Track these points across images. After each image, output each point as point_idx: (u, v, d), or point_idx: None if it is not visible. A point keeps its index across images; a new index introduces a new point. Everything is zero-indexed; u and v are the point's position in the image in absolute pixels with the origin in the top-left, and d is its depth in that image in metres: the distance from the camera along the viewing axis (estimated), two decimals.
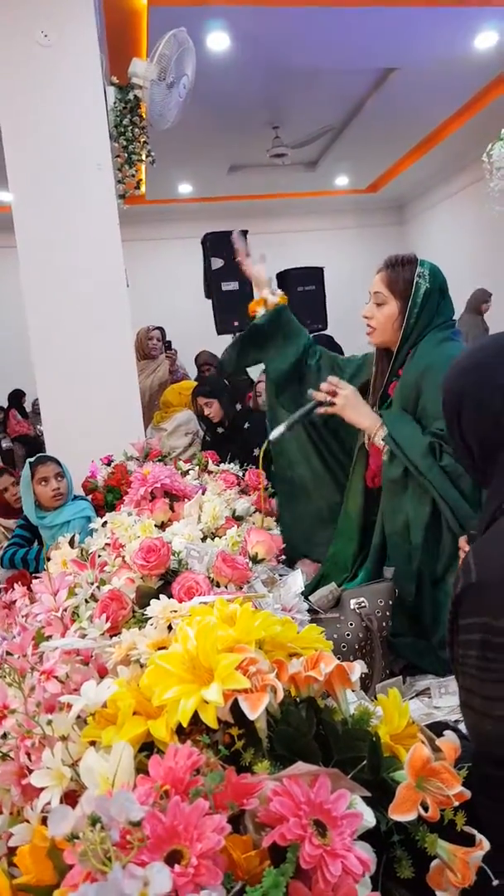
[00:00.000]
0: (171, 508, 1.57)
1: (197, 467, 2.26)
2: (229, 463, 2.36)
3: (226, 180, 7.58)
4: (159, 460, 2.44)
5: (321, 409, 1.87)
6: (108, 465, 2.64)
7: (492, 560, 0.83)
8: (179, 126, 3.79)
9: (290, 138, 6.34)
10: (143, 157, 3.61)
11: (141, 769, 0.55)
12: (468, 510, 1.65)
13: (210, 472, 2.21)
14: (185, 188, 7.87)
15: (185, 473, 2.08)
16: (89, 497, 2.49)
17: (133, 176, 3.63)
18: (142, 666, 0.79)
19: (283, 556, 1.77)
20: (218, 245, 5.28)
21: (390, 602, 1.69)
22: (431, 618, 1.76)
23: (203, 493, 1.66)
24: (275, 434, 1.87)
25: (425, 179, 8.34)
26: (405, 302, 1.79)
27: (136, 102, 3.48)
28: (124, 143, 3.50)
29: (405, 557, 1.79)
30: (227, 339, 5.40)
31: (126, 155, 3.52)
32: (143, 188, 6.76)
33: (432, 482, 1.67)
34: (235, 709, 0.65)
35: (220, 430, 3.72)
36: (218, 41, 4.58)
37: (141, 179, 5.75)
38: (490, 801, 0.76)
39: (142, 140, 3.55)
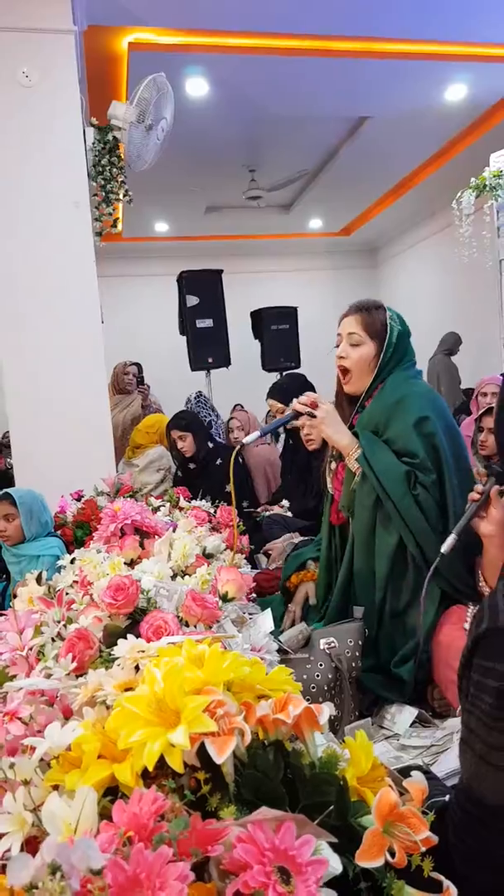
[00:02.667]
0: (142, 545, 1.56)
1: (168, 503, 2.25)
2: (201, 499, 2.35)
3: (202, 220, 7.71)
4: (130, 496, 2.43)
5: (300, 421, 1.90)
6: (79, 500, 2.62)
7: None
8: (157, 167, 3.87)
9: (265, 181, 6.49)
10: (121, 197, 3.68)
11: (105, 814, 0.54)
12: (434, 542, 1.67)
13: (181, 509, 2.20)
14: (161, 227, 7.98)
15: (157, 510, 2.08)
16: (59, 532, 2.46)
17: (110, 214, 3.69)
18: (108, 707, 0.77)
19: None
20: (193, 283, 5.36)
21: (360, 642, 1.68)
22: (390, 651, 1.76)
23: (174, 531, 1.65)
24: (248, 439, 1.94)
25: (397, 224, 8.55)
26: (380, 344, 1.85)
27: (115, 143, 3.56)
28: (102, 182, 3.56)
29: (369, 589, 1.80)
30: (201, 376, 5.46)
31: (104, 194, 3.58)
32: (119, 226, 6.84)
33: (401, 511, 1.70)
34: (202, 752, 0.65)
35: (191, 465, 3.72)
36: (196, 86, 4.70)
37: (118, 218, 5.84)
38: (460, 836, 0.76)
39: (119, 180, 3.62)
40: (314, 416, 1.85)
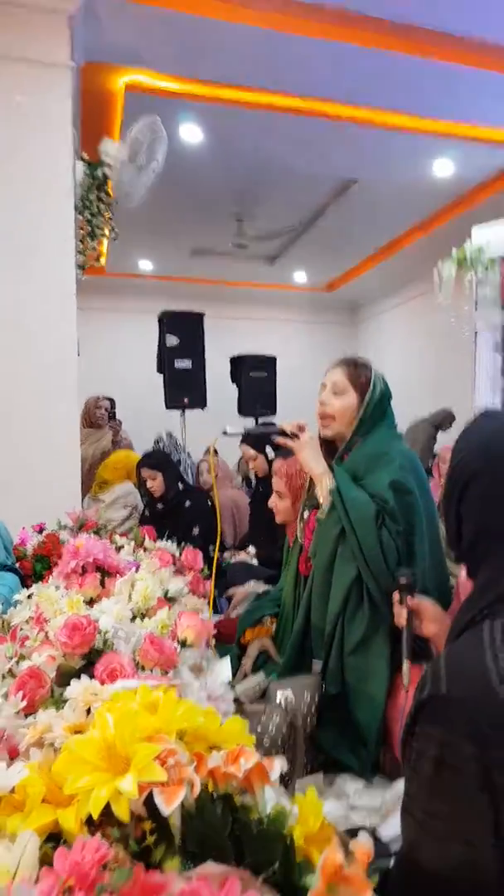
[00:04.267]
0: (102, 584, 1.54)
1: (132, 542, 2.23)
2: (167, 540, 2.34)
3: (187, 263, 7.80)
4: (94, 532, 2.40)
5: (281, 439, 1.92)
6: (40, 532, 2.58)
7: (464, 673, 0.78)
8: (146, 206, 3.92)
9: (252, 231, 6.61)
10: (106, 233, 3.72)
11: (46, 861, 0.53)
12: (392, 584, 1.68)
13: (146, 549, 2.18)
14: (145, 265, 8.05)
15: (120, 548, 2.05)
16: (17, 564, 2.41)
17: (94, 248, 3.72)
18: (56, 750, 0.76)
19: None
20: (174, 324, 5.43)
21: (316, 697, 1.67)
22: (344, 693, 1.74)
23: (136, 571, 1.63)
24: (230, 429, 2.02)
25: (380, 285, 8.73)
26: (362, 397, 1.90)
27: (104, 179, 3.60)
28: (89, 216, 3.60)
29: (323, 625, 1.79)
30: (175, 415, 5.48)
31: (89, 228, 3.61)
32: (103, 261, 6.91)
33: (363, 546, 1.70)
34: (149, 802, 0.64)
35: (159, 505, 3.70)
36: (190, 133, 4.77)
37: (102, 253, 5.89)
38: None
39: (107, 216, 3.65)
40: (297, 438, 1.89)
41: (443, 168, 5.35)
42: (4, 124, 3.16)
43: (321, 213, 6.39)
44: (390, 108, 4.35)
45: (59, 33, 3.19)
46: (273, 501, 2.28)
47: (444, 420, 6.56)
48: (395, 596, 1.47)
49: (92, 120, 4.27)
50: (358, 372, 1.92)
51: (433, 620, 1.44)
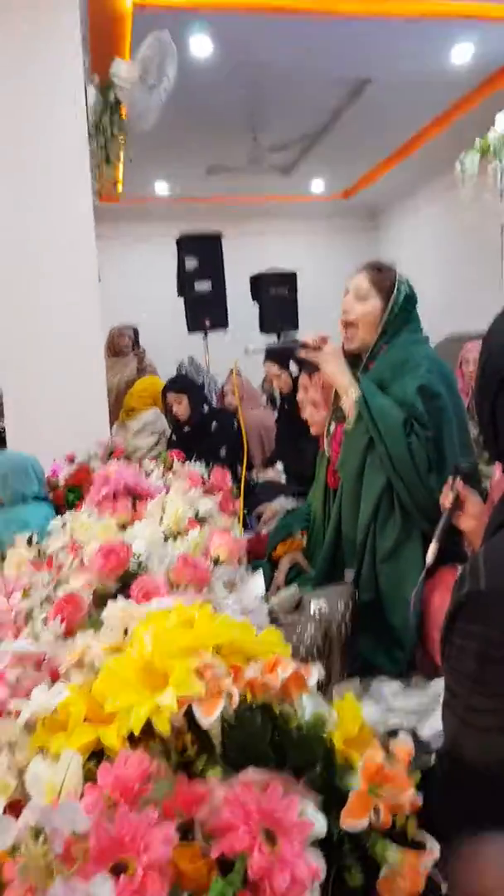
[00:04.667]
0: (134, 508, 1.55)
1: (161, 466, 2.24)
2: (194, 462, 2.34)
3: (203, 181, 7.57)
4: (124, 458, 2.41)
5: (303, 352, 1.88)
6: (71, 462, 2.60)
7: (503, 568, 0.78)
8: (158, 127, 3.78)
9: (267, 143, 6.37)
10: (121, 156, 3.60)
11: (90, 778, 0.54)
12: (423, 492, 1.67)
13: (174, 472, 2.19)
14: (161, 187, 7.84)
15: (150, 473, 2.07)
16: (50, 494, 2.45)
17: (110, 174, 3.62)
18: (95, 672, 0.77)
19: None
20: (192, 246, 5.31)
21: (350, 604, 1.69)
22: (378, 600, 1.76)
23: (167, 493, 1.64)
24: (251, 347, 2.05)
25: (399, 187, 8.40)
26: (386, 301, 1.84)
27: (117, 102, 3.47)
28: (102, 141, 3.49)
29: (354, 535, 1.79)
30: (198, 337, 5.43)
31: (104, 153, 3.50)
32: (119, 187, 6.72)
33: (392, 455, 1.69)
34: (189, 715, 0.65)
35: (186, 428, 3.70)
36: (201, 46, 4.60)
37: (118, 179, 5.73)
38: (442, 797, 0.76)
39: (120, 139, 3.54)
40: (320, 350, 1.84)
41: (461, 53, 5.02)
42: (13, 51, 3.03)
43: (336, 118, 6.11)
44: None
45: None
46: (309, 413, 2.25)
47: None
48: (450, 480, 1.49)
49: (101, 42, 4.10)
50: (382, 275, 1.85)
51: (473, 516, 1.46)
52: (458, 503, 1.48)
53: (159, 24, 3.52)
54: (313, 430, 2.26)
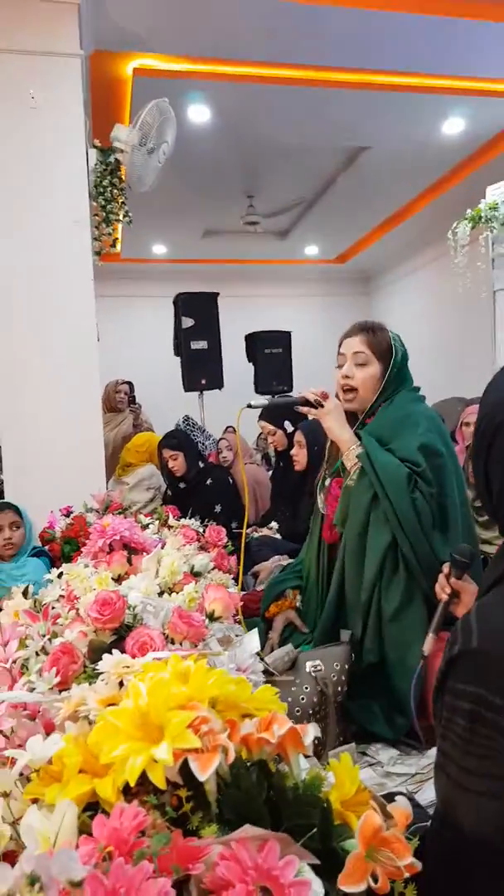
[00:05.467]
0: (129, 562, 1.55)
1: (157, 521, 2.24)
2: (190, 518, 2.35)
3: (199, 244, 7.77)
4: (119, 513, 2.42)
5: (305, 409, 1.89)
6: (67, 515, 2.60)
7: (495, 627, 0.76)
8: (157, 190, 3.93)
9: (263, 208, 6.57)
10: (121, 217, 3.72)
11: (84, 830, 0.53)
12: (427, 549, 1.67)
13: (170, 527, 2.19)
14: (159, 249, 8.04)
15: (145, 527, 2.07)
16: (46, 547, 2.44)
17: (110, 234, 3.73)
18: (90, 723, 0.76)
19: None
20: (189, 305, 5.41)
21: (346, 666, 1.67)
22: (381, 663, 1.73)
23: (162, 548, 1.64)
24: (255, 402, 2.01)
25: (392, 253, 8.64)
26: (386, 364, 1.87)
27: (117, 165, 3.62)
28: (103, 202, 3.61)
29: (358, 594, 1.77)
30: (194, 397, 5.48)
31: (104, 214, 3.62)
32: (118, 247, 6.89)
33: (398, 511, 1.69)
34: (184, 769, 0.64)
35: (182, 484, 3.71)
36: (198, 113, 4.77)
37: (117, 238, 5.89)
38: (437, 861, 0.74)
39: (120, 201, 3.67)
40: (321, 407, 1.85)
41: (453, 126, 5.26)
42: (18, 116, 3.16)
43: (331, 184, 6.32)
44: (397, 69, 4.27)
45: (67, 23, 3.19)
46: (294, 451, 2.27)
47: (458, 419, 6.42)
48: (446, 568, 1.48)
49: (102, 107, 4.28)
50: (378, 338, 1.89)
51: (469, 606, 1.43)
52: (453, 595, 1.48)
53: (159, 91, 3.69)
54: (296, 467, 2.28)
